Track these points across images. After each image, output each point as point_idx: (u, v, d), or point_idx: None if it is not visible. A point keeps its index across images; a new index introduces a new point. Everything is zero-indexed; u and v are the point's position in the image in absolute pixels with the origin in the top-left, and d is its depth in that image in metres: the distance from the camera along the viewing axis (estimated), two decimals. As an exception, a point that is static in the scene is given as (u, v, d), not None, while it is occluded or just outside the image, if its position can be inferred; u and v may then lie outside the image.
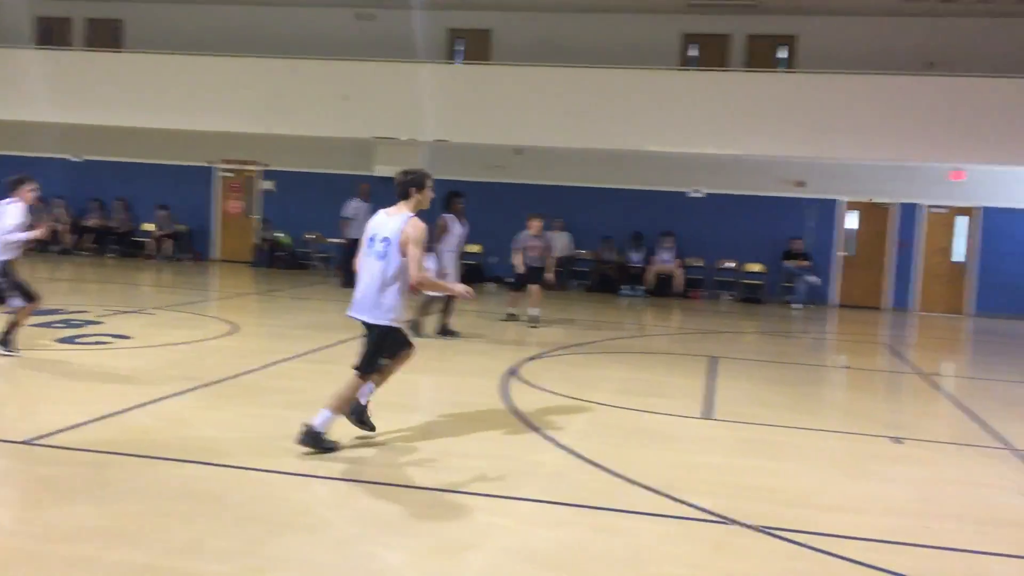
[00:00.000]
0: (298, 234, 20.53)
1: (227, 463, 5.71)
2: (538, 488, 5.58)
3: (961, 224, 18.34)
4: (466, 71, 18.97)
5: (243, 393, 7.84)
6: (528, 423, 7.12)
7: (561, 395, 8.32)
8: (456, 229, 11.48)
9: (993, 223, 18.10)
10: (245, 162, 20.90)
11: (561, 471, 5.99)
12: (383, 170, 19.52)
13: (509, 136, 18.12)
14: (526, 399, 7.99)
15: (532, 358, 10.25)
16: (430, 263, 11.06)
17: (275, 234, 20.51)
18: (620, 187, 19.12)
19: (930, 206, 18.30)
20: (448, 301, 11.36)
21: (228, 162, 21.01)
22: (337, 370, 8.81)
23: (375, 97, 18.30)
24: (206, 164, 20.97)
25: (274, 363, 9.12)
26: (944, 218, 18.37)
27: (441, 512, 5.03)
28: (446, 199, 11.49)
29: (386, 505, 5.09)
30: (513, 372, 9.25)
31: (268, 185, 20.91)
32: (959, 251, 18.32)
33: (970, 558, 4.83)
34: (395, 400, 7.76)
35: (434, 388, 8.70)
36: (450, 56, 19.85)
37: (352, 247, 16.77)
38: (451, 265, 11.39)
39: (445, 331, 11.35)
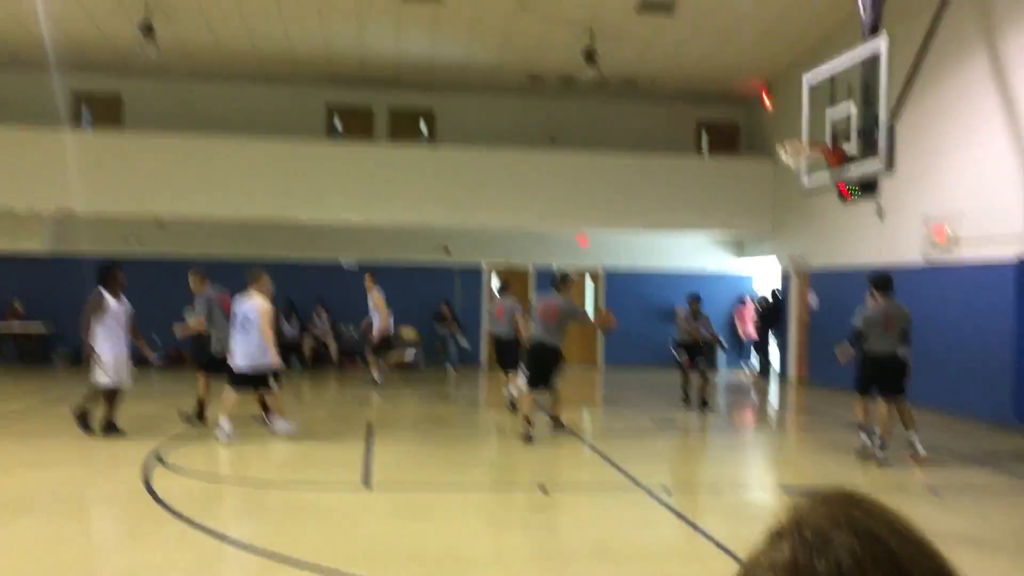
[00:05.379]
0: None
1: None
2: (183, 583, 5.14)
3: (590, 285, 20.16)
4: (94, 138, 17.60)
5: None
6: (173, 512, 6.58)
7: (212, 476, 7.82)
8: (114, 305, 9.74)
9: (616, 283, 20.15)
10: None
11: (210, 561, 5.59)
12: (-3, 244, 17.52)
13: (145, 206, 17.06)
14: (170, 485, 7.40)
15: (177, 438, 9.55)
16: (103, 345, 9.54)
17: None
18: (271, 257, 18.69)
19: (560, 268, 19.91)
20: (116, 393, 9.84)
21: None
22: None
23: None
24: None
25: None
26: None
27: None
28: (101, 273, 9.85)
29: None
30: (157, 457, 8.55)
31: None
32: (589, 308, 20.08)
33: (610, 594, 5.17)
34: (22, 501, 6.85)
35: (69, 484, 7.75)
36: (77, 121, 18.35)
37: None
38: (114, 347, 9.64)
39: (111, 426, 9.76)
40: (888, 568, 0.65)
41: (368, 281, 15.19)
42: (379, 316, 15.11)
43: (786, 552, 0.69)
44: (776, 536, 0.73)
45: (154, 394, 10.74)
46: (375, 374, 15.37)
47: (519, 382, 11.65)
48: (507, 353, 12.55)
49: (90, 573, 5.32)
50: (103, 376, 9.65)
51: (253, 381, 9.85)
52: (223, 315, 10.35)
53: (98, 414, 9.82)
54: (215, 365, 10.31)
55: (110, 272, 9.89)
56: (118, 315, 9.78)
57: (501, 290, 13.24)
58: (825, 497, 0.74)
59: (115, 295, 9.81)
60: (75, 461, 8.57)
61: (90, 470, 8.35)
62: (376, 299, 15.10)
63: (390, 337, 15.75)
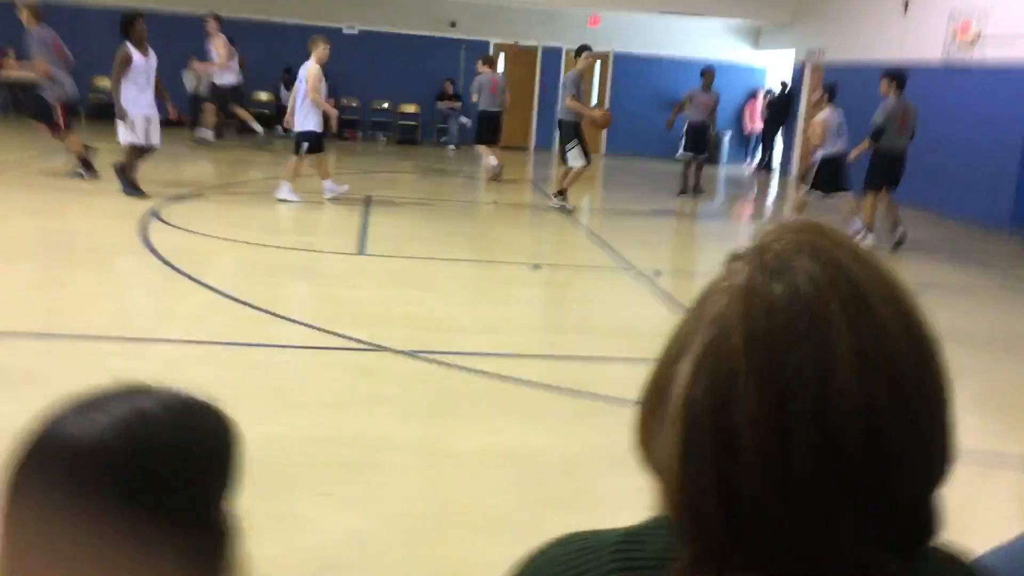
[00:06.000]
0: None
1: None
2: (179, 329, 5.30)
3: (595, 68, 19.55)
4: None
5: None
6: (169, 264, 6.68)
7: (207, 235, 7.89)
8: (139, 60, 9.11)
9: (622, 69, 19.56)
10: None
11: (205, 311, 5.72)
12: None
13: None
14: (168, 240, 7.48)
15: (175, 199, 9.57)
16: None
17: None
18: (269, 20, 18.00)
19: (570, 50, 19.27)
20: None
21: None
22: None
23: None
24: None
25: None
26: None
27: (65, 361, 4.60)
28: (123, 24, 9.09)
29: (-1, 358, 4.56)
30: (155, 214, 8.60)
31: None
32: (594, 94, 19.60)
33: (590, 364, 5.35)
34: (19, 246, 6.96)
35: (66, 232, 7.85)
36: None
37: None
38: (144, 105, 9.17)
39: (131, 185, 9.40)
40: (846, 292, 0.63)
41: (212, 25, 13.54)
42: (219, 66, 13.88)
43: (743, 275, 0.67)
44: (735, 259, 0.70)
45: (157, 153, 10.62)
46: (207, 133, 14.66)
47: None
48: (494, 126, 13.21)
49: (87, 316, 5.46)
50: (129, 134, 9.20)
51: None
52: (56, 58, 9.77)
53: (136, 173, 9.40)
54: (48, 113, 9.77)
55: (132, 23, 9.08)
56: (145, 70, 9.20)
57: (493, 65, 13.83)
58: (792, 226, 0.71)
59: (140, 49, 9.15)
60: (73, 212, 8.62)
61: (87, 221, 8.40)
62: (218, 46, 13.68)
63: (239, 89, 14.76)
